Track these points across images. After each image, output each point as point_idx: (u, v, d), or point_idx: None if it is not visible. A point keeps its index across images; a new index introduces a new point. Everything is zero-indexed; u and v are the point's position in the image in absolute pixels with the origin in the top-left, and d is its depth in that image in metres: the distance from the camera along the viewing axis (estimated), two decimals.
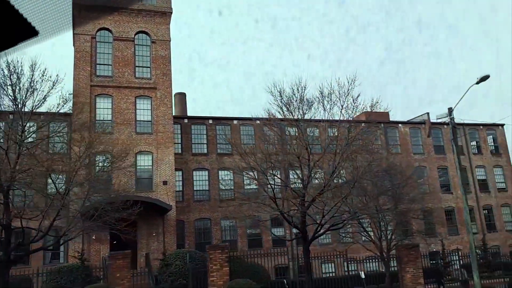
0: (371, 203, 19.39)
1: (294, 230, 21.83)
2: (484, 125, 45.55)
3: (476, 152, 44.59)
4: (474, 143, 45.12)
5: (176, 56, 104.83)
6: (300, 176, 18.33)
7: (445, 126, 44.48)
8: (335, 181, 18.27)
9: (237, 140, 34.15)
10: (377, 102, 18.28)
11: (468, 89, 18.85)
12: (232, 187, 32.34)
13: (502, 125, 46.07)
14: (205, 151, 35.24)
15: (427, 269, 28.55)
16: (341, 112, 18.49)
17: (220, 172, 34.97)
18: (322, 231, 18.84)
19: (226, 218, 33.91)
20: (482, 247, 39.75)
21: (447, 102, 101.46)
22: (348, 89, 18.33)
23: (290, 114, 18.83)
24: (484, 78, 17.91)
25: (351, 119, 18.64)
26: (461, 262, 32.39)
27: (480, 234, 41.30)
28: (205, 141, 35.38)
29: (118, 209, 21.03)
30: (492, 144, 45.75)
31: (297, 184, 18.83)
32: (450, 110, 19.36)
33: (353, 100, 18.48)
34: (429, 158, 42.37)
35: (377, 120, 43.51)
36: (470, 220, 18.75)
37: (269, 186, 17.91)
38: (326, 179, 17.91)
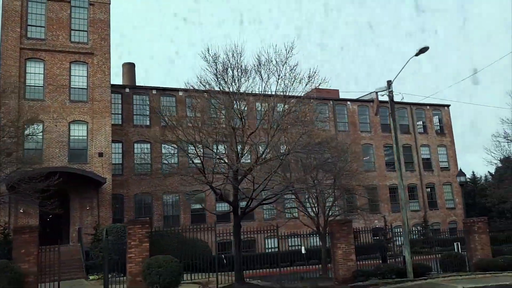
0: (307, 176, 18.86)
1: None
2: (431, 105, 46.29)
3: (422, 131, 45.36)
4: (420, 122, 45.83)
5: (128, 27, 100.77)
6: (234, 149, 17.47)
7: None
8: (270, 154, 17.55)
9: (183, 112, 32.73)
10: (315, 73, 17.44)
11: (408, 61, 18.49)
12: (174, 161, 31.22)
13: (448, 105, 47.01)
14: (148, 123, 33.71)
15: (371, 245, 28.84)
16: (277, 82, 17.65)
17: (163, 145, 33.59)
18: (255, 204, 18.18)
19: (168, 193, 32.77)
20: (423, 224, 40.85)
21: (405, 80, 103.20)
22: (286, 57, 17.46)
23: (225, 83, 17.80)
24: (423, 49, 17.56)
25: (288, 90, 17.81)
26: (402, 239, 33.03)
27: (422, 211, 42.38)
28: (148, 113, 33.78)
29: (41, 180, 19.63)
30: (438, 124, 46.68)
31: (230, 157, 17.96)
32: (389, 83, 18.97)
33: (291, 70, 17.67)
34: (376, 136, 42.70)
35: (324, 97, 43.36)
36: (404, 197, 18.59)
37: (199, 158, 16.98)
38: (259, 152, 17.14)
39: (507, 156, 35.31)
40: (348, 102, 43.14)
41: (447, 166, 44.93)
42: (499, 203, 39.94)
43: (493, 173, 47.29)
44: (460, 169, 25.27)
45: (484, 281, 15.83)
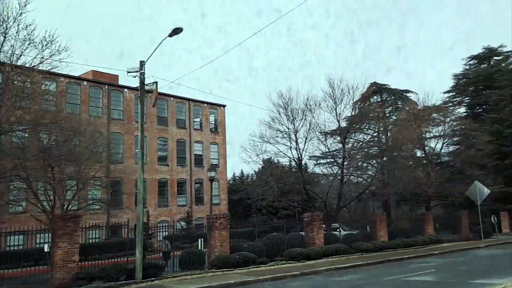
0: (27, 163, 15.65)
1: None
2: (209, 103, 47.33)
3: (198, 128, 45.87)
4: (198, 119, 46.30)
5: None
6: None
7: (172, 99, 44.21)
8: None
9: None
10: (53, 38, 14.47)
11: (160, 43, 17.07)
12: None
13: (224, 105, 48.82)
14: None
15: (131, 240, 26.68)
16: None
17: None
18: None
19: None
20: (186, 219, 41.04)
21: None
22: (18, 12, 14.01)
23: None
24: (177, 30, 16.41)
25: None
26: (165, 234, 32.04)
27: (188, 206, 42.66)
28: None
29: None
30: (213, 122, 47.98)
31: None
32: (142, 64, 17.32)
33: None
34: (151, 128, 41.13)
35: (101, 81, 39.69)
36: (142, 191, 17.01)
37: None
38: None
39: (268, 157, 38.12)
40: (126, 90, 40.46)
41: (217, 163, 46.39)
42: (257, 200, 42.98)
43: (257, 172, 51.03)
44: (212, 164, 25.41)
45: (209, 280, 15.41)
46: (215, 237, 19.22)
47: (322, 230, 22.95)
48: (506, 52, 49.10)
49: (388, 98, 46.08)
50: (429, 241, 26.97)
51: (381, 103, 43.84)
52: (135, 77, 17.67)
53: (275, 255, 20.76)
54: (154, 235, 33.72)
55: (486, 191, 31.03)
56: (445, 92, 49.22)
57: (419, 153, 38.10)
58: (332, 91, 26.06)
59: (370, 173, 32.03)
